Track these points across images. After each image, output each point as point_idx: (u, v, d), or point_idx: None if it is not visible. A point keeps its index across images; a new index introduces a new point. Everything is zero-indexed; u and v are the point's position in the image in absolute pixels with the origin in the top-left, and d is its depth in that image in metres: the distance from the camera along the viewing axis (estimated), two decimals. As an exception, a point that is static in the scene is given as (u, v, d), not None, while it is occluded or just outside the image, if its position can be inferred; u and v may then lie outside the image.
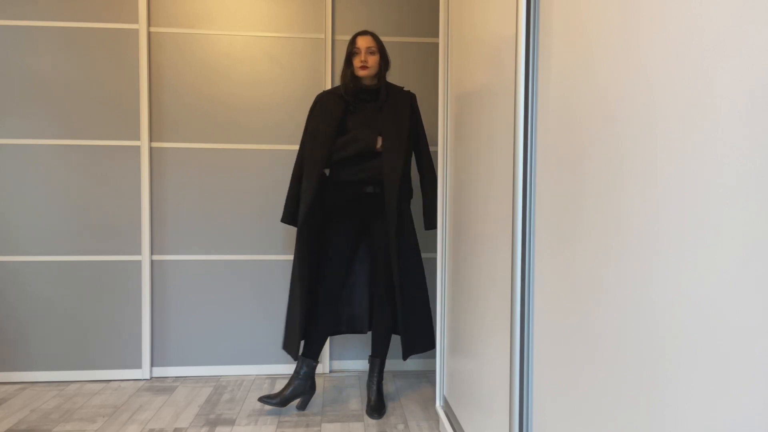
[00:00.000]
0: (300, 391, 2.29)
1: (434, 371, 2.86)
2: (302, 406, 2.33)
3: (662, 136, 0.70)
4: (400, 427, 2.19)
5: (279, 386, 2.63)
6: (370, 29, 2.81)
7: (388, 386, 2.67)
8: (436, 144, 2.88)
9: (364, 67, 2.25)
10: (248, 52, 2.78)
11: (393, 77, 2.82)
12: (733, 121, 0.58)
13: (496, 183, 1.41)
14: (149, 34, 2.71)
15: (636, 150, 0.76)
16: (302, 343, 2.33)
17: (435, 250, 2.87)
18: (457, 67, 1.90)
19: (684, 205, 0.65)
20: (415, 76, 2.86)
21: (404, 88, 2.42)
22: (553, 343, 1.05)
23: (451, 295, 2.02)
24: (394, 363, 2.89)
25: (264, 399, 2.23)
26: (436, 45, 2.86)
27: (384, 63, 2.32)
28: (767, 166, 0.53)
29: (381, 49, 2.30)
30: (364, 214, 2.35)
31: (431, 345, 2.34)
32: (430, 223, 2.35)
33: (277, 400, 2.23)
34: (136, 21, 2.69)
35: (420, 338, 2.32)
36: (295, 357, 2.29)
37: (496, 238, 1.42)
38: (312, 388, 2.34)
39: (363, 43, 2.26)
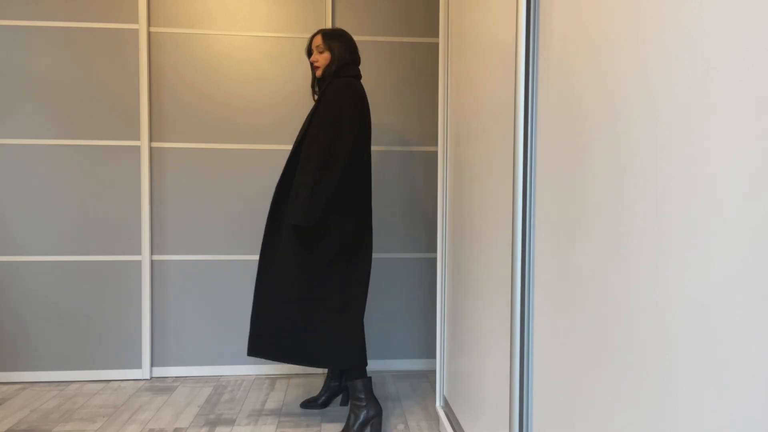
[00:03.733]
0: (336, 391, 2.42)
1: (434, 371, 2.86)
2: (345, 402, 2.44)
3: (662, 135, 0.70)
4: (400, 427, 2.19)
5: (279, 386, 2.63)
6: (369, 29, 2.83)
7: (389, 386, 2.67)
8: (436, 144, 2.88)
9: (316, 67, 2.22)
10: (248, 52, 2.78)
11: (393, 77, 2.83)
12: (733, 120, 0.58)
13: (496, 183, 1.42)
14: (149, 34, 2.71)
15: (636, 149, 0.76)
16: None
17: (435, 250, 2.87)
18: (457, 67, 1.90)
19: (684, 205, 0.65)
20: (415, 76, 2.86)
21: (340, 76, 2.14)
22: (553, 343, 1.05)
23: (450, 295, 2.02)
24: (394, 363, 2.89)
25: (305, 405, 2.38)
26: (436, 45, 2.86)
27: (335, 56, 2.15)
28: (767, 166, 0.53)
29: (329, 45, 2.16)
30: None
31: (275, 356, 2.08)
32: (290, 214, 2.00)
33: (319, 403, 2.39)
34: (136, 21, 2.69)
35: (266, 340, 2.12)
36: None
37: (496, 238, 1.42)
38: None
39: (313, 43, 2.21)
